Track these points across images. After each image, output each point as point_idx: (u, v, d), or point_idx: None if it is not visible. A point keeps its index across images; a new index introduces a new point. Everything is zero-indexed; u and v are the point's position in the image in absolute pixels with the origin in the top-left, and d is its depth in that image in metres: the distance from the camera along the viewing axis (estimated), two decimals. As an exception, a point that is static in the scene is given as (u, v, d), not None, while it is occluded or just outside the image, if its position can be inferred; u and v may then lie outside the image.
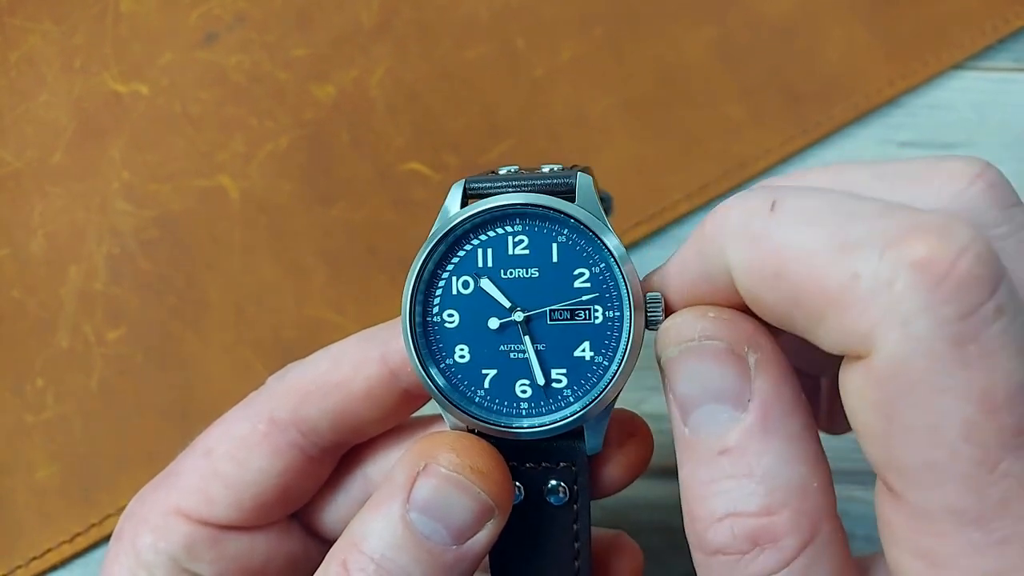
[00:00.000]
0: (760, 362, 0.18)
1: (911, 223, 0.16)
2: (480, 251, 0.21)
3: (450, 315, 0.21)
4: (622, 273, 0.20)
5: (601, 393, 0.20)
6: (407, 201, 0.38)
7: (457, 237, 0.21)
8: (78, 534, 0.34)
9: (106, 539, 0.34)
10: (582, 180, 0.21)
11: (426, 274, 0.21)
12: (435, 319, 0.21)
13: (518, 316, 0.21)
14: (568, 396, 0.21)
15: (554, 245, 0.21)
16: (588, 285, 0.20)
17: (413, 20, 0.40)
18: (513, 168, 0.22)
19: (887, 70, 0.39)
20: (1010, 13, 0.40)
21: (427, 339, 0.21)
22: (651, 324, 0.20)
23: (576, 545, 0.21)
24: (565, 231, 0.21)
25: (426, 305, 0.22)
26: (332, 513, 0.26)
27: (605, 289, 0.21)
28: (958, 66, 0.40)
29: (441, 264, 0.21)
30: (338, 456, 0.25)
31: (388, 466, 0.25)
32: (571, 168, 0.22)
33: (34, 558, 0.34)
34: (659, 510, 0.35)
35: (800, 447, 0.18)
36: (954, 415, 0.15)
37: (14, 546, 0.34)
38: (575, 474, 0.21)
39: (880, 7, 0.40)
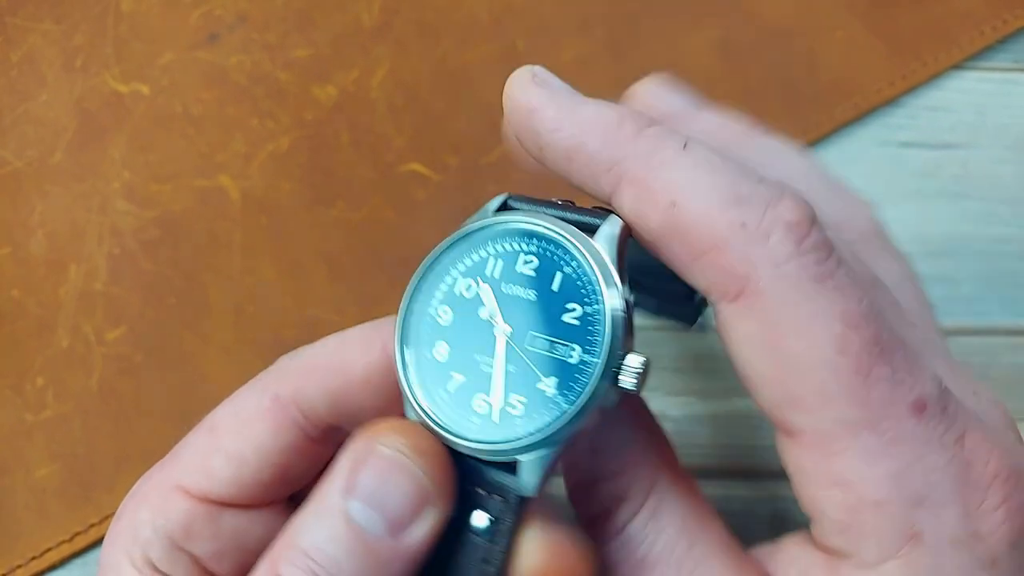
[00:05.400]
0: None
1: (782, 191, 0.20)
2: (492, 260, 0.21)
3: (444, 311, 0.21)
4: (608, 324, 0.19)
5: (549, 432, 0.19)
6: (407, 202, 0.38)
7: (476, 240, 0.21)
8: (77, 534, 0.34)
9: (105, 539, 0.34)
10: (610, 222, 0.20)
11: (438, 265, 0.21)
12: (431, 310, 0.21)
13: (500, 332, 0.20)
14: (518, 426, 0.20)
15: (559, 273, 0.20)
16: (576, 323, 0.20)
17: (414, 21, 0.40)
18: (562, 200, 0.22)
19: (887, 70, 0.39)
20: (1010, 14, 0.40)
21: (416, 325, 0.21)
22: (620, 383, 0.19)
23: None
24: (574, 263, 0.20)
25: (427, 294, 0.21)
26: None
27: (590, 332, 0.20)
28: (958, 66, 0.40)
29: (454, 262, 0.21)
30: (338, 442, 0.25)
31: None
32: (611, 212, 0.21)
33: (33, 558, 0.34)
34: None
35: (630, 428, 0.21)
36: (827, 333, 0.19)
37: (13, 546, 0.34)
38: (501, 511, 0.20)
39: (880, 8, 0.40)
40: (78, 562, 0.34)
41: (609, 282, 0.20)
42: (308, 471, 0.25)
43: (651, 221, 0.20)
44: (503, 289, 0.21)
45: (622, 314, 0.19)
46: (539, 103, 0.21)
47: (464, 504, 0.21)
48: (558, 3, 0.40)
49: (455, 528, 0.20)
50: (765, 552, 0.22)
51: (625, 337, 0.20)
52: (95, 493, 0.34)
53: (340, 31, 0.40)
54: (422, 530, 0.20)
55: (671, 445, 0.22)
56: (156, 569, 0.23)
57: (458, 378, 0.21)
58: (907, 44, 0.40)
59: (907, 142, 0.39)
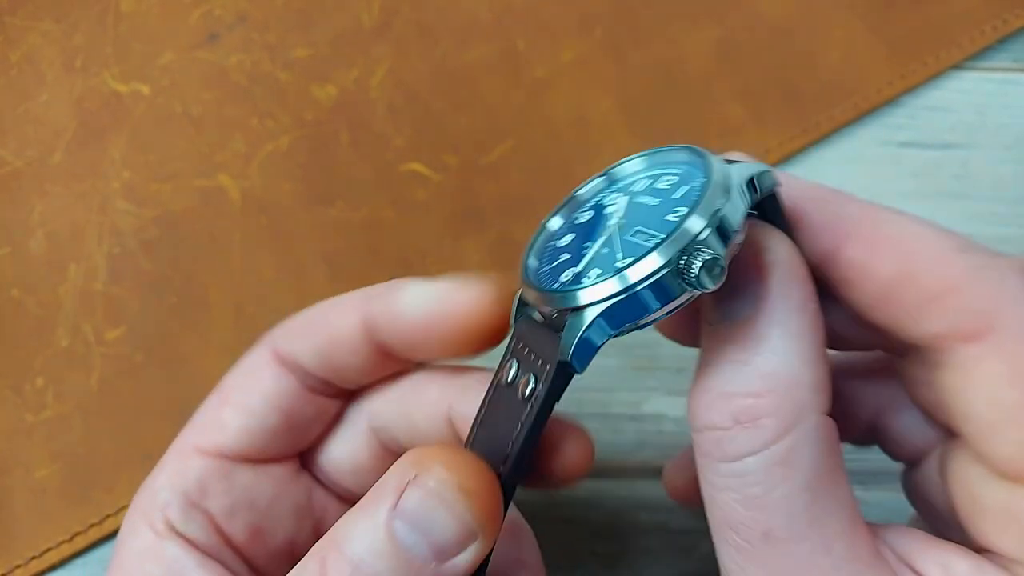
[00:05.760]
0: (774, 263, 0.20)
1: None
2: (642, 179, 0.22)
3: (586, 213, 0.22)
4: (692, 210, 0.19)
5: (602, 297, 0.19)
6: (407, 201, 0.38)
7: (647, 161, 0.22)
8: (77, 533, 0.34)
9: (106, 539, 0.34)
10: (759, 166, 0.21)
11: (621, 171, 0.22)
12: (579, 209, 0.22)
13: (613, 222, 0.21)
14: (582, 287, 0.20)
15: (685, 187, 0.20)
16: (674, 221, 0.20)
17: (414, 21, 0.40)
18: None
19: (887, 70, 0.39)
20: (1010, 14, 0.40)
21: (562, 210, 0.23)
22: (683, 275, 0.19)
23: (512, 440, 0.21)
24: (703, 180, 0.20)
25: (599, 194, 0.22)
26: (328, 457, 0.26)
27: (674, 227, 0.19)
28: (958, 66, 0.40)
29: (616, 177, 0.23)
30: (338, 398, 0.26)
31: (389, 418, 0.26)
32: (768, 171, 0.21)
33: (33, 557, 0.34)
34: (659, 511, 0.35)
35: (798, 346, 0.19)
36: None
37: (13, 546, 0.34)
38: (542, 375, 0.20)
39: (880, 8, 0.40)
40: (78, 562, 0.34)
41: (715, 196, 0.19)
42: (313, 425, 0.26)
43: (882, 270, 0.21)
44: (636, 199, 0.21)
45: (711, 213, 0.19)
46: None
47: (520, 364, 0.21)
48: (558, 3, 0.40)
49: (509, 382, 0.21)
50: (897, 535, 0.21)
51: (708, 235, 0.19)
52: (95, 493, 0.34)
53: (340, 31, 0.40)
54: (467, 559, 0.19)
55: (831, 380, 0.20)
56: (174, 530, 0.23)
57: (564, 257, 0.21)
58: (907, 44, 0.40)
59: (907, 142, 0.39)
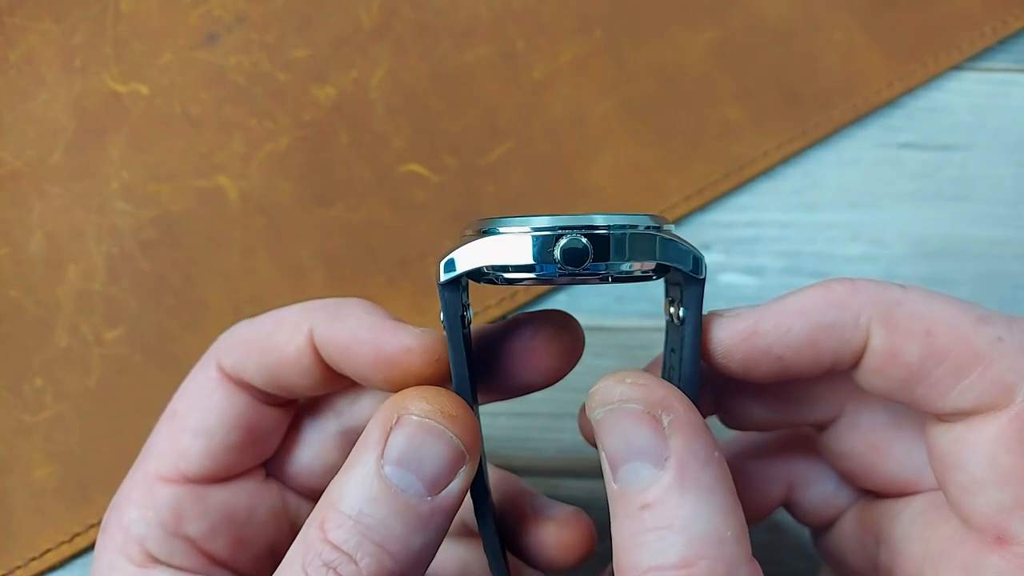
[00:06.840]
0: (673, 422, 0.20)
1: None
2: None
3: None
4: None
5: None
6: (406, 202, 0.38)
7: None
8: (77, 534, 0.34)
9: (104, 539, 0.34)
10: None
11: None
12: None
13: None
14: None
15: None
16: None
17: (413, 21, 0.40)
18: None
19: (886, 72, 0.39)
20: (1009, 15, 0.40)
21: None
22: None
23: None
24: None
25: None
26: (298, 464, 0.26)
27: None
28: (957, 67, 0.40)
29: None
30: (292, 406, 0.26)
31: (345, 419, 0.26)
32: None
33: (33, 558, 0.34)
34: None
35: (715, 499, 0.19)
36: None
37: (12, 546, 0.34)
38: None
39: (879, 9, 0.40)
40: (78, 563, 0.34)
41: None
42: (274, 433, 0.25)
43: (909, 354, 0.21)
44: None
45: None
46: (749, 325, 0.22)
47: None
48: (558, 4, 0.40)
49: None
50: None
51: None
52: (94, 494, 0.34)
53: (339, 31, 0.40)
54: (459, 485, 0.20)
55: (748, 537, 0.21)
56: (156, 560, 0.23)
57: None
58: (906, 45, 0.40)
59: (906, 143, 0.39)
